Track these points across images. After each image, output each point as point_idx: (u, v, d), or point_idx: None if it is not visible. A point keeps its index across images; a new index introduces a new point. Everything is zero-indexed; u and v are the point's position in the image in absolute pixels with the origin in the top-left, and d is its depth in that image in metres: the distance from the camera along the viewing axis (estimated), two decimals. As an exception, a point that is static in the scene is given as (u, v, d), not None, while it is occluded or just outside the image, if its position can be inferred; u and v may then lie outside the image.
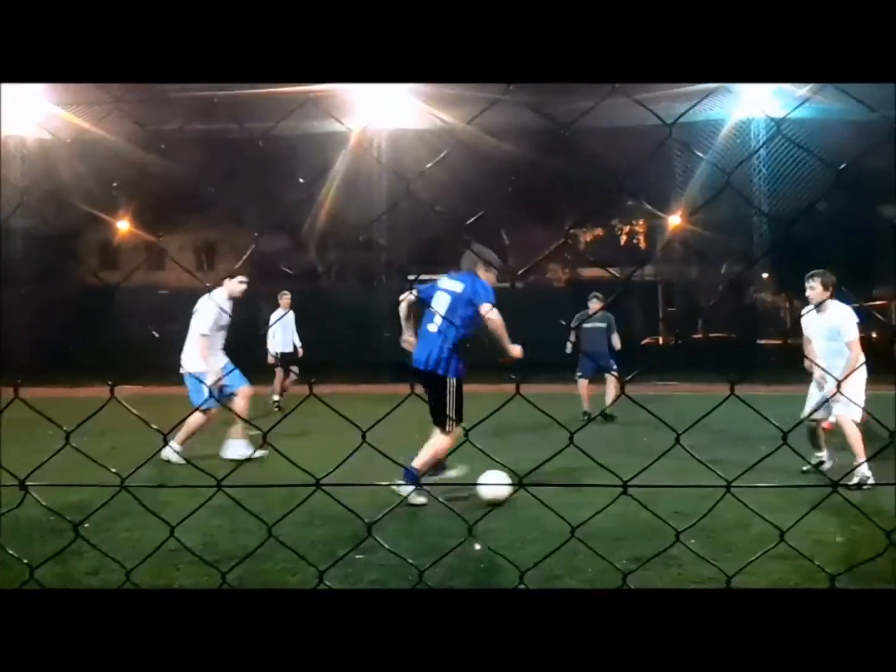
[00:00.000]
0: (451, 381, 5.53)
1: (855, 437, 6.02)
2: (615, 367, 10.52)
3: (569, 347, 10.91)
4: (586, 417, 10.21)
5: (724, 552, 4.29)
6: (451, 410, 5.50)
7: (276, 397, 12.24)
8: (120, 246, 23.37)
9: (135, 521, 4.60)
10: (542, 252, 21.02)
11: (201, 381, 7.13)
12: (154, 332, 16.48)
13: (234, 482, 1.58)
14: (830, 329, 6.28)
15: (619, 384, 1.94)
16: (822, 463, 6.52)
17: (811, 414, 6.24)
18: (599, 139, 16.43)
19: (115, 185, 15.60)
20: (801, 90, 14.86)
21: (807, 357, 6.77)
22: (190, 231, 23.56)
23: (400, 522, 4.94)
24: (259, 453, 7.21)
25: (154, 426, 1.65)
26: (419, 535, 4.66)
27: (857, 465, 5.85)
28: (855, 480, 5.72)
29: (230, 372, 7.56)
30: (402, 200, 16.90)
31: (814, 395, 6.46)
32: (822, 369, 6.12)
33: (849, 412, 6.04)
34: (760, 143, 17.94)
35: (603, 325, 10.68)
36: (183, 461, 6.85)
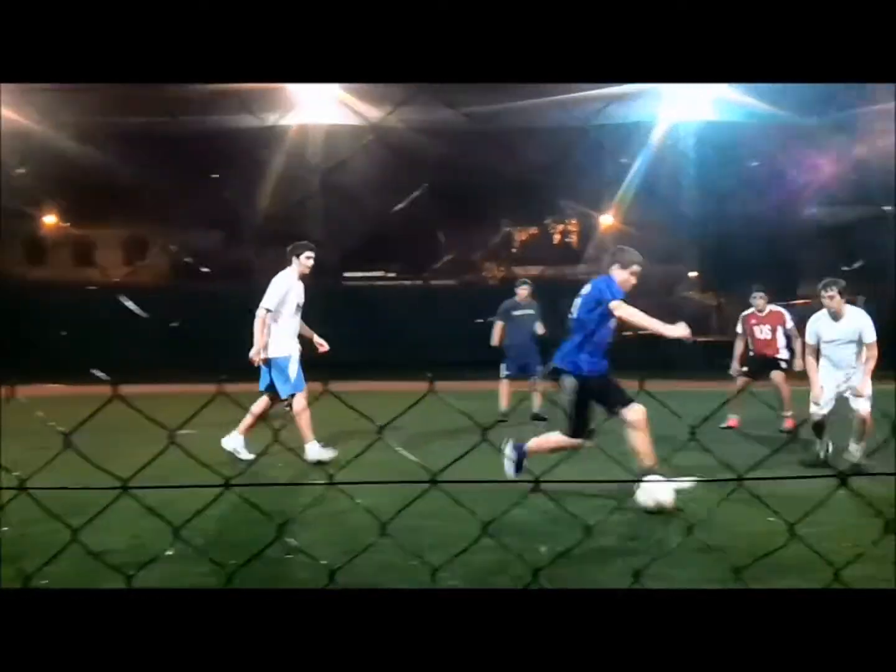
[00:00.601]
0: (574, 380, 5.49)
1: (870, 430, 6.42)
2: (539, 367, 9.84)
3: (494, 340, 10.30)
4: (503, 419, 9.61)
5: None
6: (570, 410, 5.49)
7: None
8: (46, 240, 22.62)
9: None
10: (478, 250, 21.15)
11: (285, 366, 6.87)
12: (62, 332, 15.75)
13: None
14: (853, 332, 6.50)
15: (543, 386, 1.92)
16: (826, 452, 6.74)
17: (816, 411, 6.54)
18: (532, 139, 16.61)
19: (19, 171, 14.95)
20: (736, 94, 15.27)
21: (803, 361, 7.05)
22: (118, 226, 22.94)
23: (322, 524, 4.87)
24: (329, 454, 6.95)
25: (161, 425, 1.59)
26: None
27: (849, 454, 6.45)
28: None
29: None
30: (315, 195, 16.78)
31: (826, 391, 6.62)
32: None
33: (868, 407, 6.43)
34: (688, 144, 18.37)
35: (531, 311, 10.17)
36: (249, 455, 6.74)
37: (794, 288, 22.42)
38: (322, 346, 8.61)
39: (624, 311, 5.40)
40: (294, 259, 7.21)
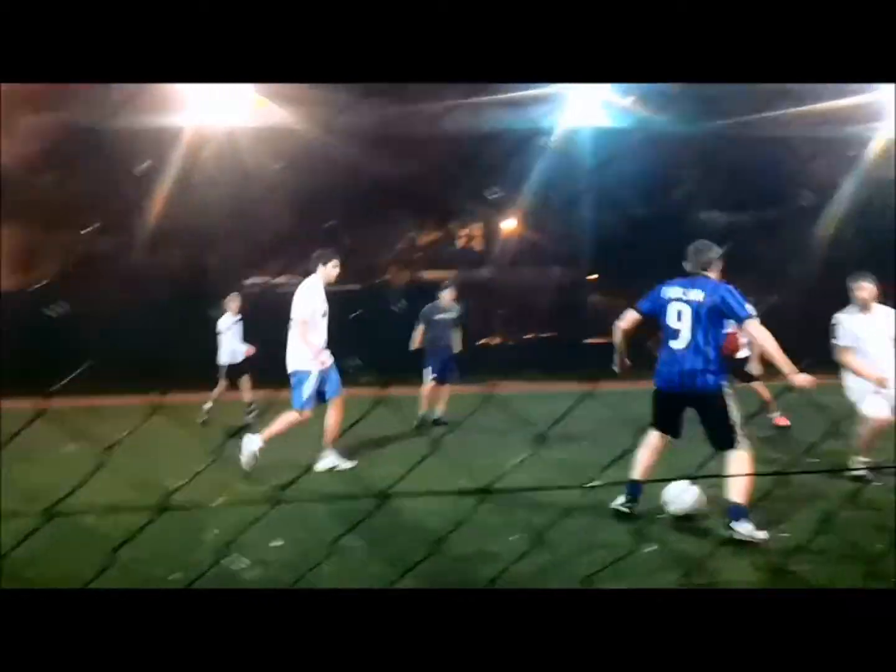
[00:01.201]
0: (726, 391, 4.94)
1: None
2: (455, 372, 10.01)
3: (415, 343, 10.21)
4: (422, 423, 9.69)
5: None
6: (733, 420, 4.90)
7: (208, 405, 11.09)
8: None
9: None
10: (382, 253, 21.17)
11: (303, 381, 6.79)
12: None
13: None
14: (888, 329, 6.26)
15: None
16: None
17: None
18: (435, 144, 16.76)
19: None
20: (626, 101, 15.82)
21: (851, 367, 6.35)
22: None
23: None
24: (347, 465, 7.04)
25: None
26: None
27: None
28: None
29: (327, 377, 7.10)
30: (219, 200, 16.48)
31: (863, 392, 6.25)
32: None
33: None
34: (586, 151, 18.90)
35: (453, 315, 10.14)
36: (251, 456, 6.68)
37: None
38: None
39: (760, 331, 4.82)
40: (320, 266, 7.17)
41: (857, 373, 6.31)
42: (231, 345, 11.14)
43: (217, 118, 16.66)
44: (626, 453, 4.55)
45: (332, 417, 7.12)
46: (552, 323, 22.65)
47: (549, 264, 22.77)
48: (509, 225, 22.77)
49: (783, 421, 9.13)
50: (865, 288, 6.38)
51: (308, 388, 6.85)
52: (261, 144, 16.56)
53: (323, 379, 7.04)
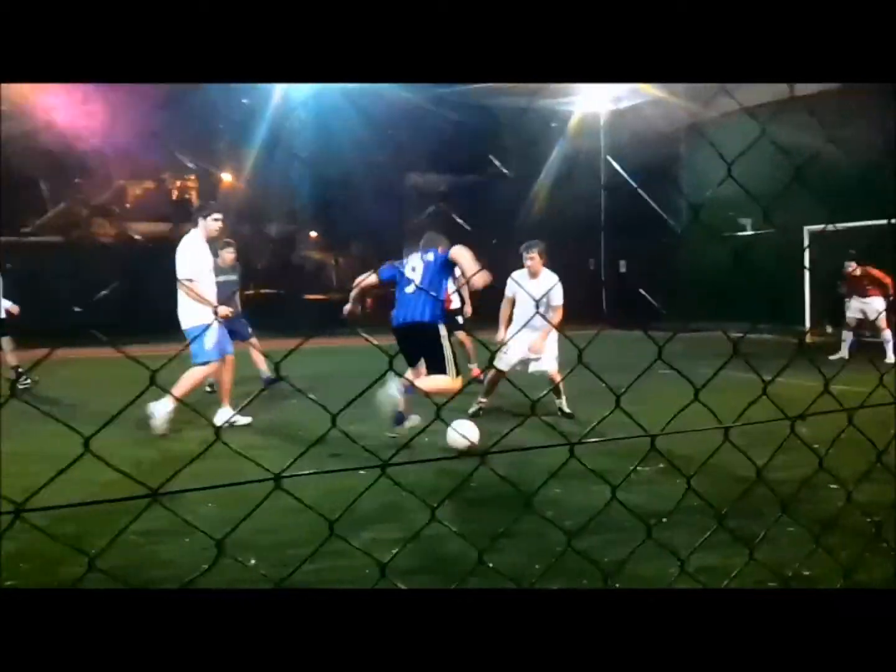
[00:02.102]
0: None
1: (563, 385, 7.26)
2: (248, 329, 9.29)
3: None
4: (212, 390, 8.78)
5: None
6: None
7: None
8: None
9: None
10: (87, 205, 19.70)
11: (202, 335, 6.55)
12: None
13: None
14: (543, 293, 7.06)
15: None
16: None
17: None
18: (148, 93, 15.86)
19: None
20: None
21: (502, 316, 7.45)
22: None
23: None
24: (243, 421, 6.96)
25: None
26: None
27: None
28: None
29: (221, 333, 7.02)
30: None
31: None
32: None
33: (554, 365, 7.30)
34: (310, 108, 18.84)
35: (234, 276, 9.27)
36: (165, 419, 6.43)
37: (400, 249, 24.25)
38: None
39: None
40: (200, 220, 6.93)
41: (500, 322, 7.48)
42: None
43: None
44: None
45: (228, 374, 7.31)
46: (273, 280, 22.56)
47: (266, 221, 22.55)
48: (226, 178, 22.19)
49: (478, 373, 9.59)
50: (531, 257, 7.20)
51: (209, 341, 6.69)
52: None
53: (221, 333, 7.08)
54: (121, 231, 20.57)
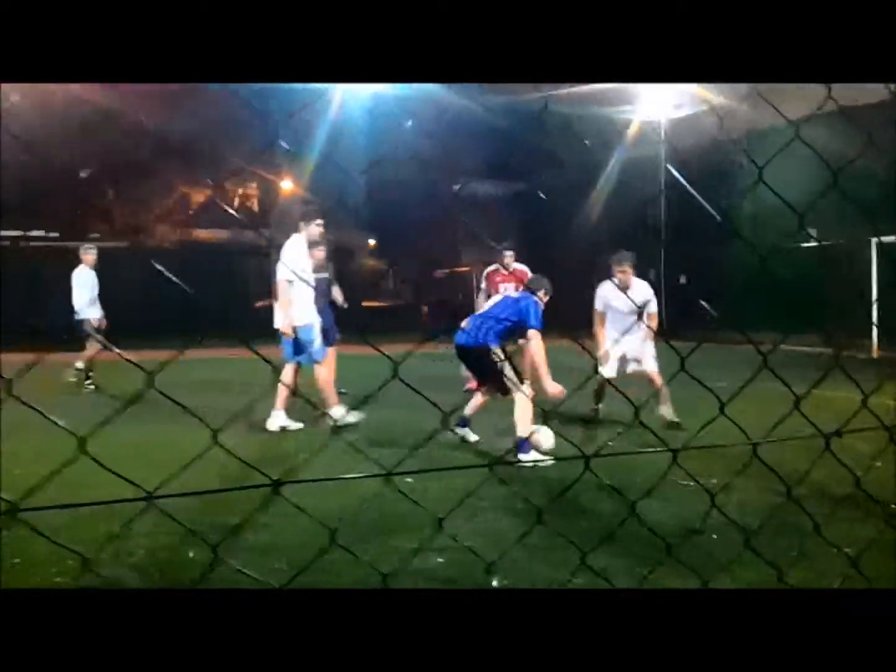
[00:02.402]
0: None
1: (664, 390, 7.02)
2: (337, 330, 8.89)
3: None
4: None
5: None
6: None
7: (80, 364, 9.85)
8: None
9: None
10: (153, 211, 20.18)
11: (310, 333, 6.76)
12: None
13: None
14: (639, 303, 7.08)
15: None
16: None
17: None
18: (208, 100, 16.21)
19: None
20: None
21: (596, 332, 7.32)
22: None
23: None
24: (352, 418, 6.98)
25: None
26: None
27: None
28: None
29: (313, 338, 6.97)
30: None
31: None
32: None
33: (655, 367, 7.14)
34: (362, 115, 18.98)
35: (326, 275, 8.88)
36: (298, 425, 6.70)
37: (458, 255, 24.34)
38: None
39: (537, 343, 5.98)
40: (302, 225, 6.96)
41: (596, 337, 7.32)
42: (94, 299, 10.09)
43: None
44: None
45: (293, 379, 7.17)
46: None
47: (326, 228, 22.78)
48: (286, 186, 22.51)
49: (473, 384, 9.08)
50: (623, 270, 7.09)
51: (318, 338, 6.97)
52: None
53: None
54: (184, 237, 21.05)
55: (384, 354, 1.35)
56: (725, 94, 17.36)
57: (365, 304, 22.38)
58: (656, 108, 20.01)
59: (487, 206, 20.02)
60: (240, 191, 21.32)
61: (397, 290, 26.95)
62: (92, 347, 9.81)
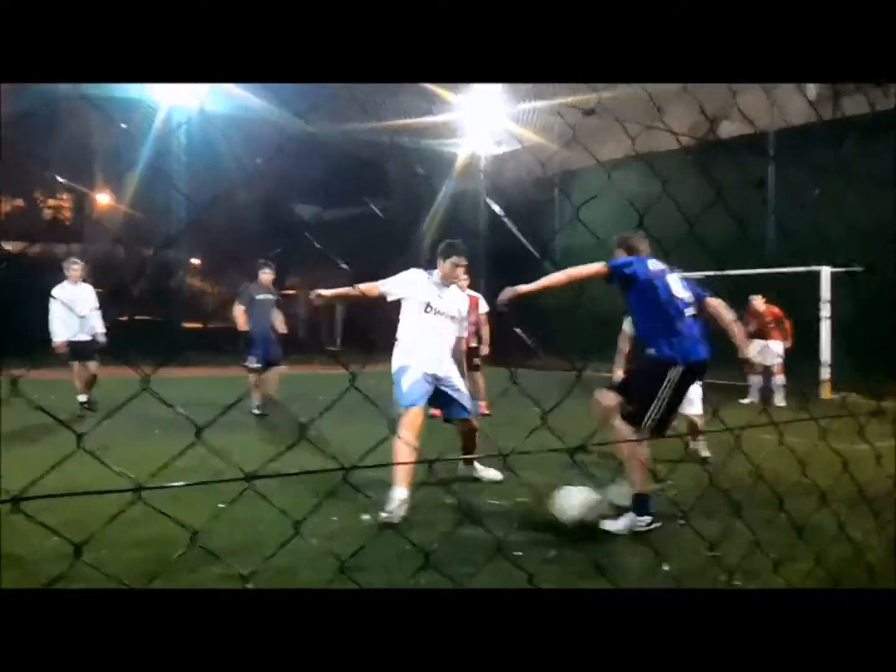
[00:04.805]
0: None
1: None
2: (279, 355, 9.48)
3: (240, 324, 9.27)
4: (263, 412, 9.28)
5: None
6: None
7: (82, 398, 9.09)
8: None
9: None
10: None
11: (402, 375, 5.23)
12: None
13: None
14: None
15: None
16: None
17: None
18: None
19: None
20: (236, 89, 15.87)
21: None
22: None
23: None
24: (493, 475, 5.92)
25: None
26: None
27: None
28: None
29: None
30: None
31: None
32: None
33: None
34: (187, 130, 18.55)
35: (271, 296, 9.52)
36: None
37: (285, 277, 24.12)
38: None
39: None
40: (440, 261, 5.64)
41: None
42: (77, 319, 9.03)
43: None
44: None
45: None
46: (147, 305, 21.93)
47: (145, 244, 21.99)
48: (102, 199, 21.52)
49: (485, 410, 9.13)
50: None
51: (408, 383, 5.27)
52: None
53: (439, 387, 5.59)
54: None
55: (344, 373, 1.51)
56: (541, 134, 18.54)
57: (186, 325, 21.73)
58: (478, 143, 20.95)
59: (322, 229, 20.08)
60: (50, 201, 20.15)
61: (220, 312, 26.28)
62: (72, 370, 9.18)
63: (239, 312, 9.35)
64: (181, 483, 1.50)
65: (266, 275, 9.50)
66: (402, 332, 5.52)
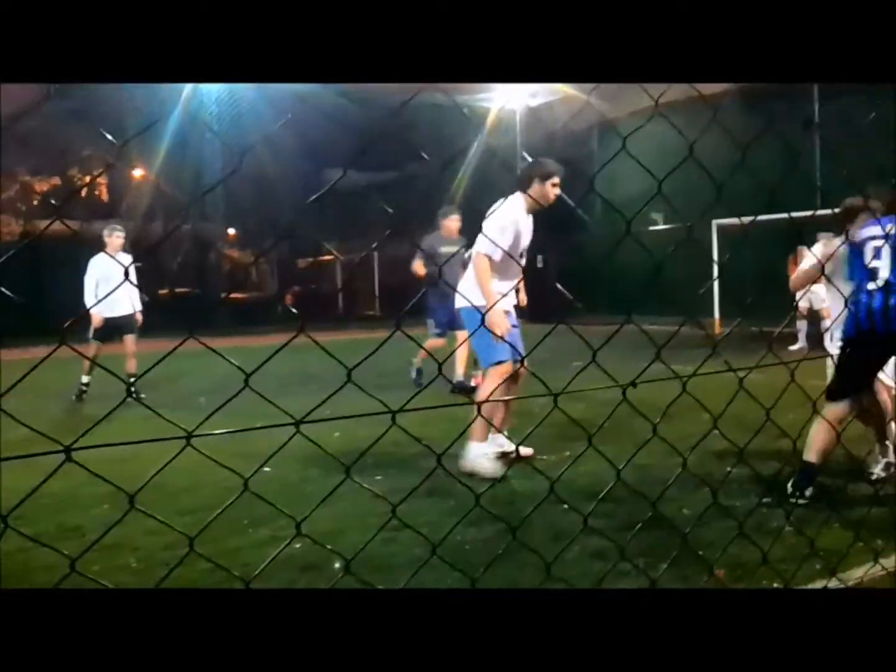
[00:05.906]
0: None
1: None
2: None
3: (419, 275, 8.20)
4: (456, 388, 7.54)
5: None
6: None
7: (85, 379, 8.27)
8: None
9: None
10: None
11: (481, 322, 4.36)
12: None
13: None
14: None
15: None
16: None
17: None
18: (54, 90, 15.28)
19: None
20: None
21: None
22: None
23: None
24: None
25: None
26: None
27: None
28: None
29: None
30: None
31: None
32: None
33: None
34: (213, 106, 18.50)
35: (461, 247, 7.62)
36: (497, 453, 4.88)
37: (320, 244, 24.13)
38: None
39: None
40: (536, 185, 5.03)
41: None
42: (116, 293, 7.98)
43: None
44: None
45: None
46: (191, 279, 22.08)
47: (182, 219, 22.10)
48: (137, 175, 21.59)
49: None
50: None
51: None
52: None
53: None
54: (28, 229, 19.86)
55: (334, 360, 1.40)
56: (577, 85, 18.07)
57: (226, 296, 21.86)
58: (513, 97, 20.52)
59: (354, 196, 19.96)
60: (87, 179, 20.25)
61: (258, 282, 26.44)
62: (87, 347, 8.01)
63: (417, 267, 8.18)
64: (229, 431, 1.44)
65: (452, 221, 8.08)
66: (483, 272, 4.89)
